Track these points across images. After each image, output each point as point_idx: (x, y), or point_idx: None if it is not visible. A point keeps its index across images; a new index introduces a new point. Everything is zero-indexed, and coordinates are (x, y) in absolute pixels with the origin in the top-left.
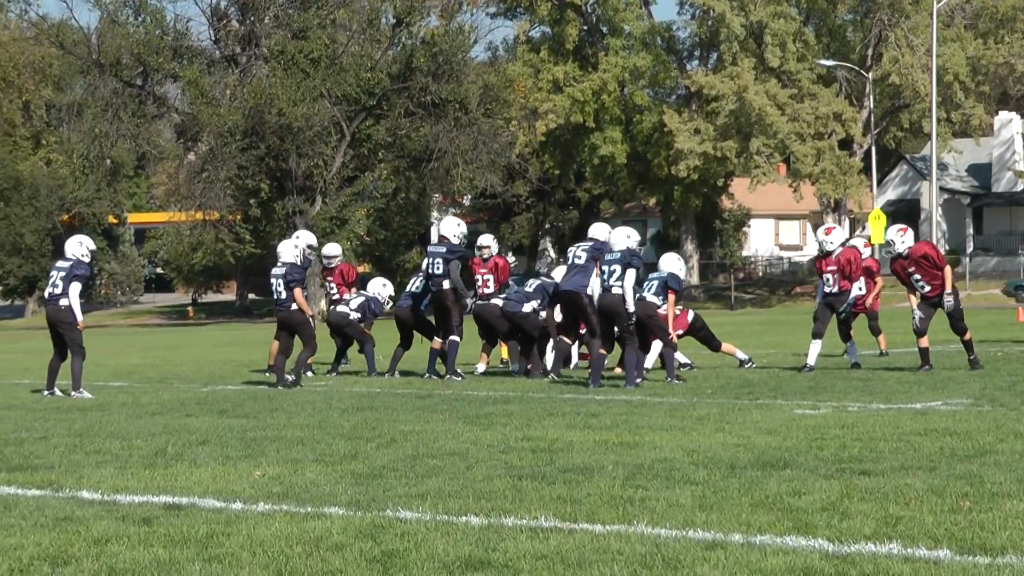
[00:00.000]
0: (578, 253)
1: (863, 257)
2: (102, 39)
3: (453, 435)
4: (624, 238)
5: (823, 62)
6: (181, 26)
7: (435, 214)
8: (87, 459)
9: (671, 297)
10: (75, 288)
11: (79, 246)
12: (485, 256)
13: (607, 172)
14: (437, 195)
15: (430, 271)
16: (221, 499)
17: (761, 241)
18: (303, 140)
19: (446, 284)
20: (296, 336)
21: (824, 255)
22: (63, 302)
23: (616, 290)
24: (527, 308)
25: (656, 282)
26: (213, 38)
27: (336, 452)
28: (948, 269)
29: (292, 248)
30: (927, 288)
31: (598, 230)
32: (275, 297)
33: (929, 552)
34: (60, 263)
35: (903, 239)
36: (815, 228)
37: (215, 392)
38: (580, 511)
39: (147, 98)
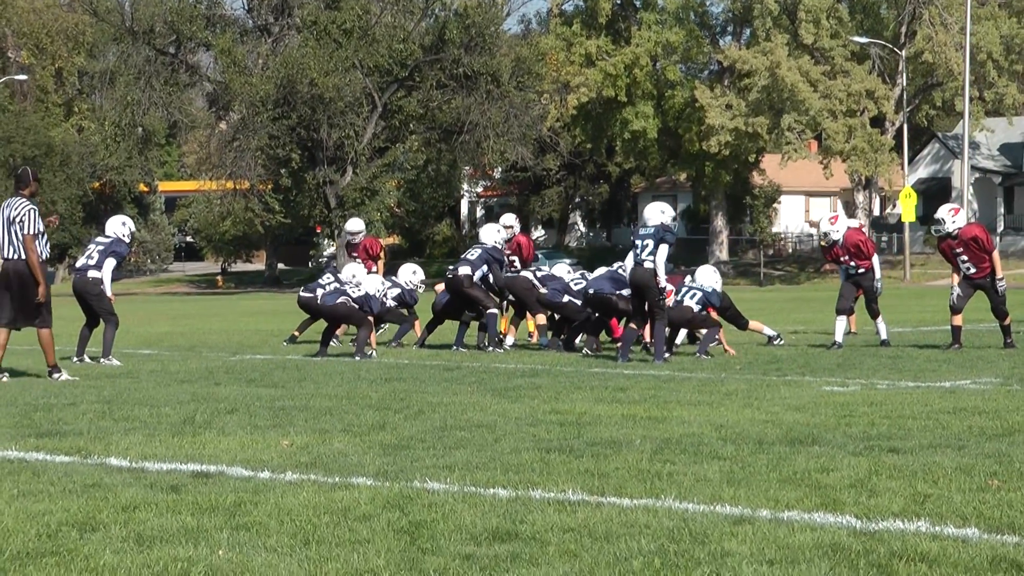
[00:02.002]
0: (637, 245)
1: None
2: (135, 7)
3: (481, 407)
4: (659, 213)
5: (856, 39)
6: None
7: (465, 186)
8: (115, 426)
9: (713, 314)
10: (109, 263)
11: (121, 226)
12: (507, 237)
13: (638, 147)
14: (468, 167)
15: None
16: (249, 468)
17: (791, 217)
18: (334, 111)
19: (462, 270)
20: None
21: (832, 244)
22: (92, 273)
23: (648, 264)
24: (565, 299)
25: (699, 294)
26: (246, 7)
27: (364, 423)
28: (996, 253)
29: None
30: (972, 270)
31: (653, 212)
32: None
33: (957, 530)
34: (99, 239)
35: (954, 219)
36: (846, 205)
37: (243, 361)
38: (608, 485)
39: (179, 66)
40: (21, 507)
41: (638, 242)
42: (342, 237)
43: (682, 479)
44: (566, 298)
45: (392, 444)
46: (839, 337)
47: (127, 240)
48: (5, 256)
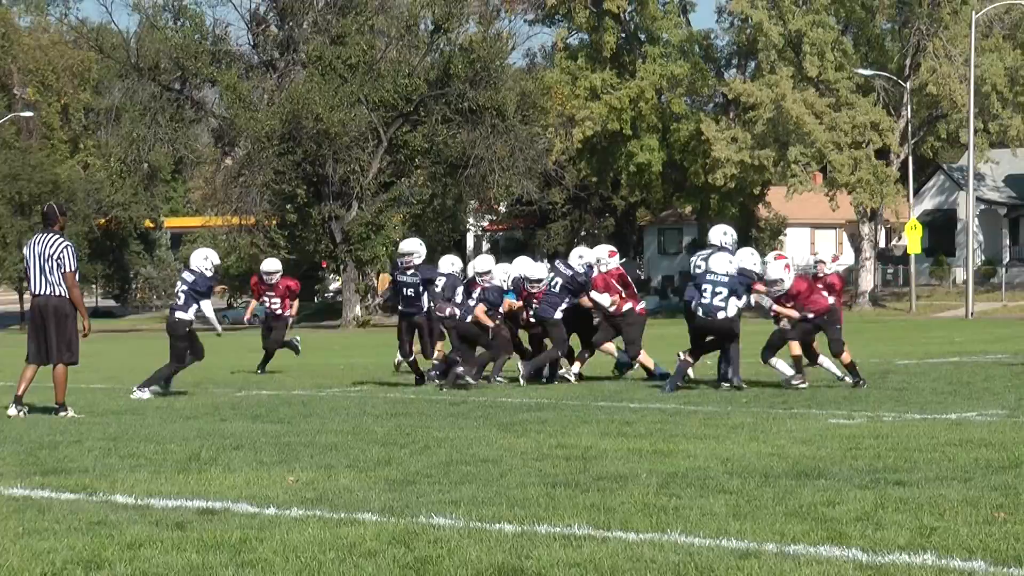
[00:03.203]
0: (698, 263)
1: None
2: (141, 43)
3: (487, 442)
4: (720, 235)
5: (861, 71)
6: (220, 31)
7: (471, 220)
8: (121, 463)
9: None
10: (206, 305)
11: (204, 260)
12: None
13: (643, 180)
14: (473, 201)
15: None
16: (255, 504)
17: (797, 250)
18: (340, 145)
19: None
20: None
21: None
22: (178, 314)
23: (721, 315)
24: (559, 315)
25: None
26: (252, 43)
27: (370, 458)
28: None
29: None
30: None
31: (716, 234)
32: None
33: (963, 563)
34: (185, 275)
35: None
36: (851, 237)
37: (249, 397)
38: (614, 519)
39: (185, 102)
40: (26, 545)
41: (707, 286)
42: (348, 272)
43: (688, 513)
44: (559, 314)
45: (397, 479)
46: (836, 370)
47: (210, 273)
48: (35, 292)
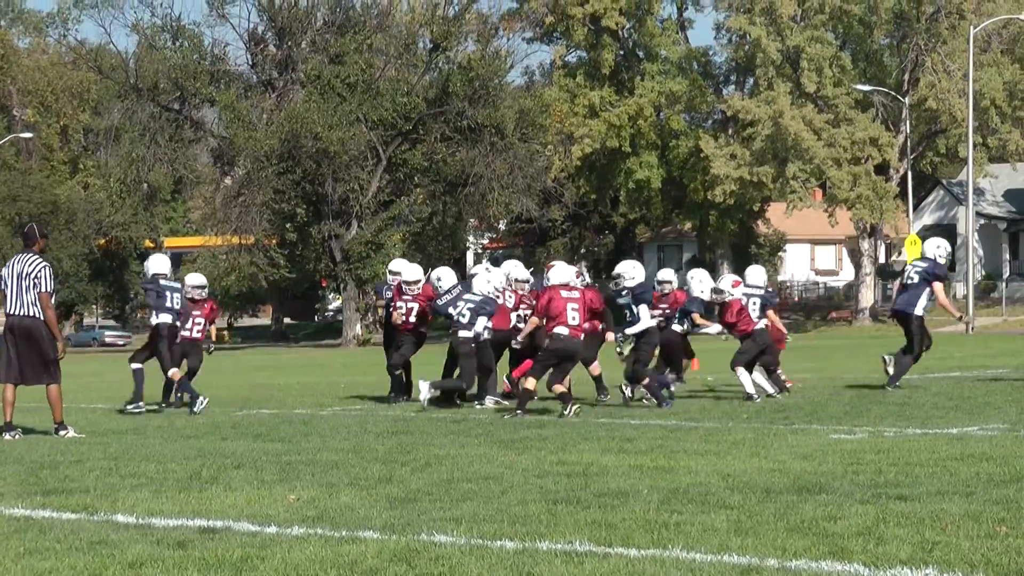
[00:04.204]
0: (911, 275)
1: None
2: (140, 64)
3: (488, 459)
4: (934, 248)
5: (859, 87)
6: (219, 51)
7: (471, 238)
8: (122, 482)
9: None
10: (481, 322)
11: (486, 284)
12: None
13: (643, 197)
14: (473, 219)
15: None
16: (256, 523)
17: (797, 266)
18: (339, 164)
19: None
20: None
21: (723, 304)
22: (462, 333)
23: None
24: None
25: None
26: (250, 63)
27: (371, 476)
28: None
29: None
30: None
31: (931, 247)
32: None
33: None
34: (468, 296)
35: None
36: (851, 253)
37: (250, 416)
38: (615, 535)
39: (184, 122)
40: (28, 565)
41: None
42: (348, 290)
43: (689, 529)
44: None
45: (399, 497)
46: (752, 389)
47: (493, 296)
48: (10, 312)
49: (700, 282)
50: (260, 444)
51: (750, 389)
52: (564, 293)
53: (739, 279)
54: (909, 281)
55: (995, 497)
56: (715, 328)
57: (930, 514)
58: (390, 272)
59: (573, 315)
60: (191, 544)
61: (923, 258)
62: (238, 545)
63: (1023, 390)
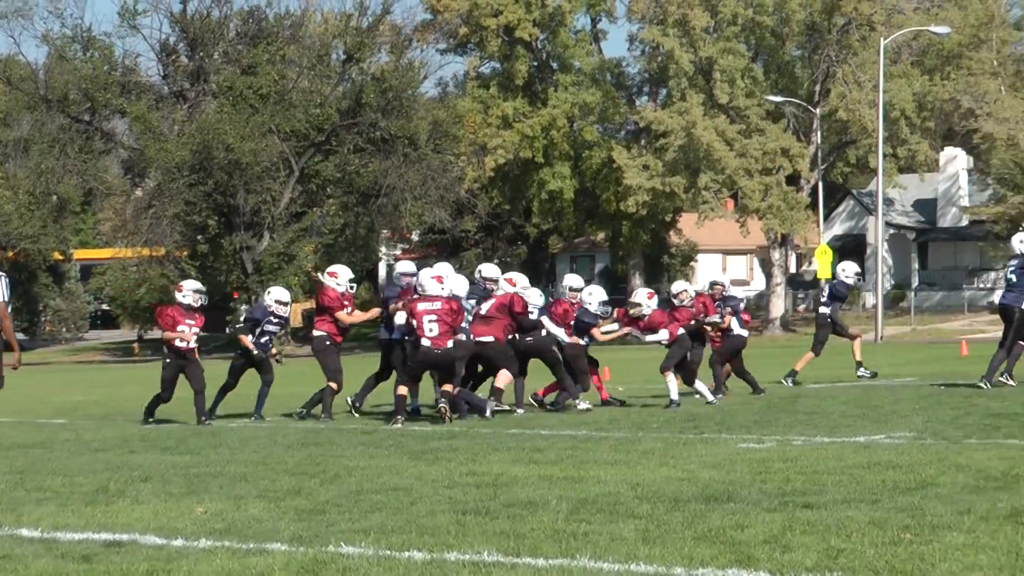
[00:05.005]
0: (1008, 276)
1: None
2: (50, 75)
3: (397, 471)
4: (1018, 243)
5: (771, 98)
6: (130, 61)
7: (383, 249)
8: (28, 496)
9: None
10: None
11: (539, 297)
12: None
13: (556, 207)
14: (385, 231)
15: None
16: (162, 536)
17: (708, 276)
18: (251, 176)
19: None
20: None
21: (639, 316)
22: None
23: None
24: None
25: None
26: (162, 74)
27: (279, 488)
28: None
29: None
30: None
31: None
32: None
33: None
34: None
35: (649, 302)
36: (762, 263)
37: (158, 429)
38: (523, 545)
39: (94, 134)
40: None
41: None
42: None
43: (597, 539)
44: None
45: (307, 509)
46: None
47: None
48: None
49: (591, 295)
50: (168, 457)
51: (674, 396)
52: (421, 306)
53: (653, 291)
54: (1012, 279)
55: (900, 504)
56: (663, 335)
57: (836, 522)
58: (401, 274)
59: (431, 327)
60: (96, 558)
61: (1017, 256)
62: (144, 559)
63: (929, 398)
